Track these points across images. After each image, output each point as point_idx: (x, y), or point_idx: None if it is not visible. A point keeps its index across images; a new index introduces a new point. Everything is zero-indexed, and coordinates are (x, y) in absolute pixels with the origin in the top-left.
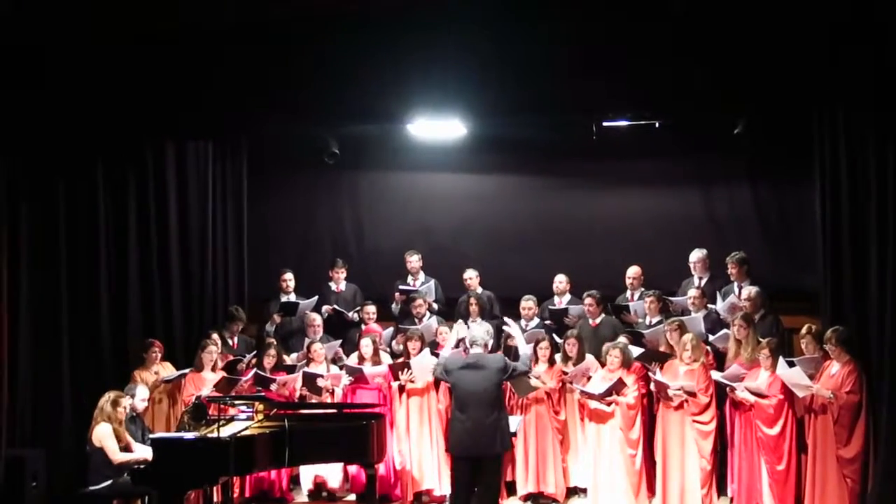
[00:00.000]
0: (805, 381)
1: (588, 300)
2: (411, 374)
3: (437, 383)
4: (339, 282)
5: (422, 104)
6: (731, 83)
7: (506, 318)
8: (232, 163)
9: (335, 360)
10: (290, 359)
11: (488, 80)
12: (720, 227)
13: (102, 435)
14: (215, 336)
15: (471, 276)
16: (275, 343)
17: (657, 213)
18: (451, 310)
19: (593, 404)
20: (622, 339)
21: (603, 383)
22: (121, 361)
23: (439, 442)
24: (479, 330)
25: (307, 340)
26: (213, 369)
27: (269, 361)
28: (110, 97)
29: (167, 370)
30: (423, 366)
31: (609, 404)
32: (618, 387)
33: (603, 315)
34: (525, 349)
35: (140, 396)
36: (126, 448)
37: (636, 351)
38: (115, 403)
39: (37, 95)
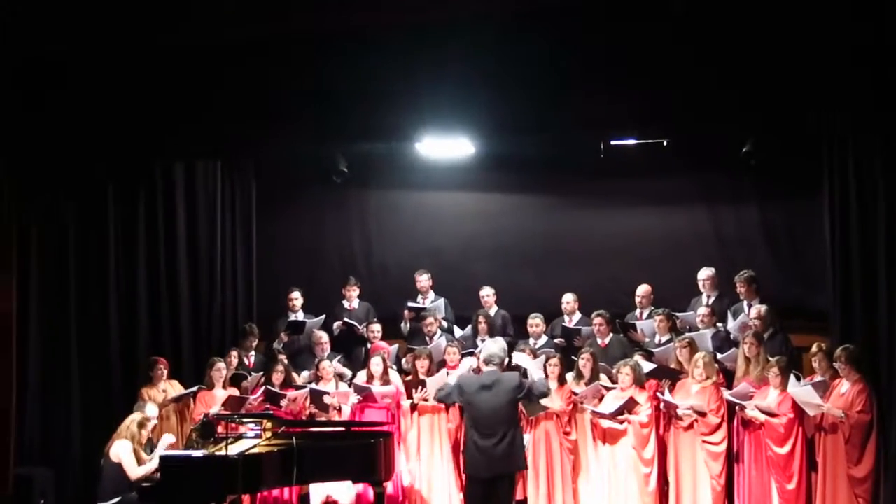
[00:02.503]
0: (816, 399)
1: (598, 319)
2: (425, 392)
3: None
4: (352, 300)
5: (430, 122)
6: (739, 101)
7: (515, 354)
8: (240, 181)
9: (339, 376)
10: (299, 378)
11: (497, 98)
12: (728, 246)
13: (122, 451)
14: (234, 353)
15: (487, 294)
16: (283, 360)
17: (665, 231)
18: (461, 328)
19: (606, 423)
20: (636, 357)
21: (615, 402)
22: (130, 380)
23: (449, 461)
24: (494, 347)
25: (316, 359)
26: (224, 387)
27: (277, 378)
28: (118, 115)
29: (175, 388)
30: (438, 385)
31: (621, 423)
32: (629, 405)
33: (612, 335)
34: (540, 373)
35: (149, 413)
36: None
37: (647, 367)
38: (141, 425)
39: (46, 113)
